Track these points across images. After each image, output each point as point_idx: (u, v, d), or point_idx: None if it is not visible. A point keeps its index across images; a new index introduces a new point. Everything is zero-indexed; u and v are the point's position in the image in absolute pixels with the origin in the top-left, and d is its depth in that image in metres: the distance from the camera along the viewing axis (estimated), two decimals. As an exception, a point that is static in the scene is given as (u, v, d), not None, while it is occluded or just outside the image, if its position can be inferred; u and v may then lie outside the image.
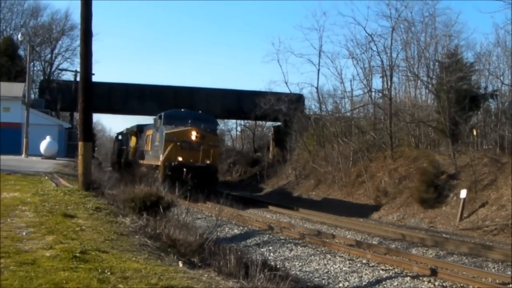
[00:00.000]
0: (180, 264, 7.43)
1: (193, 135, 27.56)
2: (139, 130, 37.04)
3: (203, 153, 27.08)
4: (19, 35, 47.71)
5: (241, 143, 64.27)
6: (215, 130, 31.65)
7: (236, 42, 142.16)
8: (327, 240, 13.65)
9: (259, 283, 7.53)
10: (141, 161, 32.98)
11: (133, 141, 40.28)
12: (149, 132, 32.58)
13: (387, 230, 17.79)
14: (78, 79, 33.52)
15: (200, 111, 33.19)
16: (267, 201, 31.15)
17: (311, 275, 10.99)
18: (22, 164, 25.09)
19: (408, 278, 10.19)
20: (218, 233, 13.63)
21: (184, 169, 24.13)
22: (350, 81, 64.79)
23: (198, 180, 24.20)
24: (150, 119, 38.26)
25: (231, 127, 66.74)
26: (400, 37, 36.43)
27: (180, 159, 26.67)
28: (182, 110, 32.17)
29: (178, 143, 27.01)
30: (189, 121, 28.64)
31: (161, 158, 27.01)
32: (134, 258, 6.80)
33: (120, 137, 51.39)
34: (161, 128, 28.56)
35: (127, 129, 45.60)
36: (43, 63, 58.19)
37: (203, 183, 25.42)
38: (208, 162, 27.16)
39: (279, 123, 49.20)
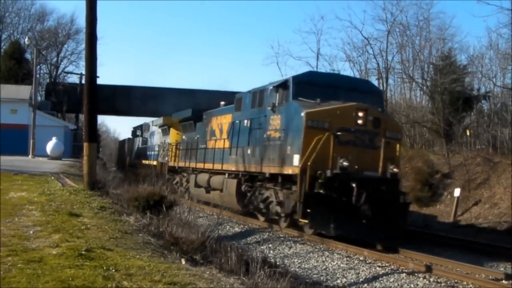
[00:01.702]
0: (183, 262, 7.43)
1: (360, 117, 13.97)
2: (195, 117, 24.10)
3: (383, 152, 13.74)
4: (26, 39, 47.64)
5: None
6: (383, 108, 17.09)
7: (237, 45, 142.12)
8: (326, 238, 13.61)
9: (259, 280, 7.52)
10: (202, 166, 21.29)
11: (173, 135, 28.30)
12: (224, 118, 20.28)
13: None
14: (83, 81, 33.48)
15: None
16: None
17: (309, 271, 10.99)
18: (29, 164, 25.08)
19: (404, 275, 10.19)
20: (220, 231, 13.60)
21: (354, 185, 12.80)
22: (347, 83, 64.52)
23: (378, 208, 12.90)
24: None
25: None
26: (395, 40, 36.45)
27: (345, 163, 13.25)
28: (323, 72, 19.79)
29: (336, 133, 13.58)
30: (342, 92, 15.03)
31: (298, 161, 13.65)
32: (138, 256, 6.80)
33: (138, 132, 40.29)
34: (291, 105, 14.67)
35: (154, 121, 33.99)
36: (49, 66, 58.22)
37: (387, 214, 13.08)
38: (393, 170, 13.74)
39: None
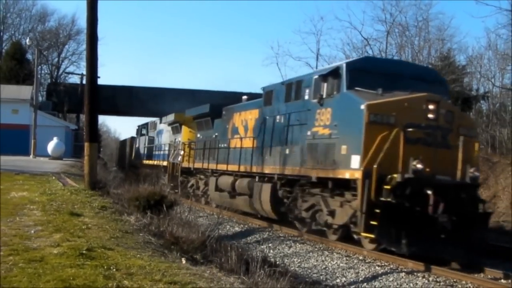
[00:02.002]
0: (183, 261, 7.44)
1: (431, 110, 11.78)
2: (213, 113, 21.43)
3: (461, 152, 11.48)
4: (27, 40, 47.73)
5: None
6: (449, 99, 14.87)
7: (237, 45, 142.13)
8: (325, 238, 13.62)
9: (259, 279, 7.52)
10: (224, 167, 18.84)
11: (185, 133, 25.74)
12: (249, 114, 17.83)
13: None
14: (84, 82, 33.50)
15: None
16: None
17: (309, 271, 10.99)
18: (30, 164, 25.09)
19: (403, 274, 10.19)
20: (220, 231, 13.61)
21: (429, 192, 10.76)
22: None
23: (458, 220, 10.93)
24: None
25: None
26: (394, 41, 36.41)
27: (419, 166, 11.01)
28: (381, 57, 16.62)
29: (405, 130, 11.26)
30: (404, 81, 12.74)
31: (357, 163, 11.38)
32: (138, 255, 6.81)
33: (144, 131, 37.18)
34: (345, 97, 12.35)
35: (163, 119, 30.50)
36: (50, 66, 58.31)
37: (468, 227, 11.10)
38: (473, 173, 11.59)
39: None
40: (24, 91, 41.87)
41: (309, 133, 13.39)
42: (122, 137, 73.31)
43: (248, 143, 17.24)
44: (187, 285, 5.54)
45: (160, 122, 31.73)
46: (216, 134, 20.84)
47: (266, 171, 15.59)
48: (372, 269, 10.72)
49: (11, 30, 58.44)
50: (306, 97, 13.87)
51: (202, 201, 21.94)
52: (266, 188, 15.47)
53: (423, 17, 35.50)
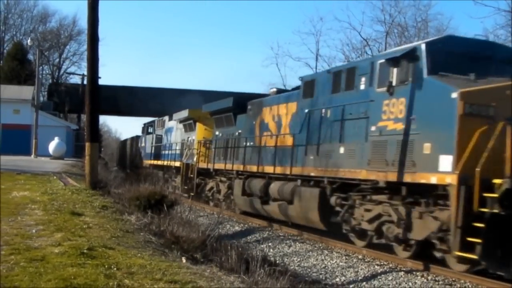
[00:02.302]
0: (183, 260, 7.44)
1: None
2: (236, 108, 18.95)
3: None
4: (29, 40, 47.81)
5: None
6: None
7: (237, 46, 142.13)
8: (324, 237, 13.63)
9: (259, 278, 7.52)
10: (255, 169, 16.57)
11: (200, 131, 23.21)
12: (283, 108, 15.69)
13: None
14: (85, 82, 33.50)
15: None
16: None
17: (309, 270, 10.99)
18: (32, 164, 25.09)
19: (402, 273, 10.18)
20: (220, 230, 13.61)
21: None
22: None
23: None
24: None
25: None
26: (394, 42, 36.53)
27: None
28: (464, 36, 13.16)
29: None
30: (494, 65, 10.67)
31: (450, 165, 9.27)
32: (139, 255, 6.81)
33: (150, 129, 34.66)
34: (428, 83, 10.17)
35: (174, 115, 27.55)
36: (51, 67, 58.39)
37: None
38: None
39: None
40: (26, 92, 41.89)
41: (373, 128, 11.19)
42: (123, 137, 73.37)
43: (284, 141, 15.13)
44: (187, 284, 5.54)
45: (170, 120, 29.45)
46: (240, 131, 18.60)
47: (312, 173, 13.33)
48: (372, 268, 10.72)
49: (13, 31, 58.62)
50: (362, 86, 11.87)
51: (223, 206, 19.62)
52: (313, 193, 13.17)
53: (422, 18, 35.67)
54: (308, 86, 14.26)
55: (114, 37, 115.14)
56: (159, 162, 29.25)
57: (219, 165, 19.64)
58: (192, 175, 22.34)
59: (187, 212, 13.78)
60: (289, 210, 14.26)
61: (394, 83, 10.81)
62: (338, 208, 12.57)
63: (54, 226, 8.16)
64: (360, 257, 11.68)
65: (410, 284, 9.59)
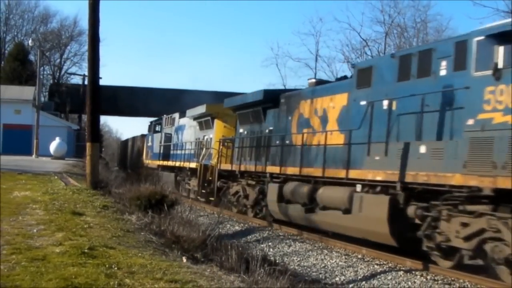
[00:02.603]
0: (184, 260, 7.44)
1: None
2: (266, 101, 16.66)
3: None
4: (30, 41, 47.85)
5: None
6: None
7: (237, 46, 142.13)
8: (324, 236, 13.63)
9: (259, 278, 7.52)
10: (296, 171, 14.34)
11: (218, 129, 21.03)
12: (329, 100, 13.68)
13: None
14: (86, 82, 33.49)
15: None
16: None
17: (309, 269, 10.99)
18: (33, 164, 25.09)
19: (401, 272, 10.18)
20: (220, 230, 13.61)
21: None
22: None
23: None
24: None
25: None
26: (393, 42, 36.59)
27: None
28: None
29: None
30: None
31: None
32: (140, 254, 6.81)
33: (158, 128, 31.97)
34: None
35: (187, 112, 25.06)
36: (52, 67, 58.43)
37: None
38: None
39: None
40: (27, 92, 41.90)
41: (470, 122, 9.21)
42: (124, 137, 73.35)
43: (332, 138, 13.01)
44: (187, 284, 5.54)
45: (181, 117, 27.25)
46: (271, 128, 16.48)
47: (379, 177, 11.00)
48: (371, 267, 10.72)
49: (14, 31, 58.65)
50: (443, 72, 10.09)
51: (249, 213, 17.53)
52: (381, 202, 10.88)
53: (421, 19, 35.70)
54: (364, 74, 12.19)
55: (114, 38, 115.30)
56: (169, 163, 27.02)
57: (248, 167, 17.28)
58: (210, 178, 20.14)
59: (188, 212, 13.78)
60: (345, 221, 11.99)
61: (501, 65, 8.81)
62: (417, 221, 10.32)
63: (55, 225, 8.16)
64: (359, 256, 11.67)
65: (409, 283, 9.59)
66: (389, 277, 10.01)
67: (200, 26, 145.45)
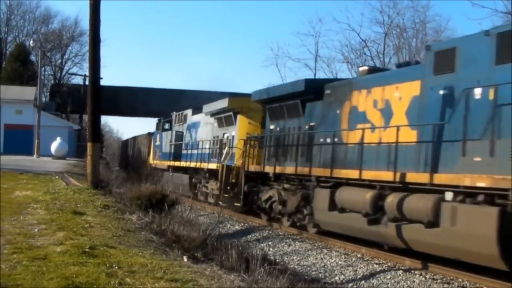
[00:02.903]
0: (184, 259, 7.44)
1: None
2: (307, 93, 14.49)
3: None
4: (31, 41, 47.74)
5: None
6: None
7: (237, 47, 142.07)
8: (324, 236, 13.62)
9: (259, 277, 7.52)
10: (356, 175, 11.88)
11: (242, 125, 18.62)
12: (392, 89, 11.58)
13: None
14: (87, 83, 33.48)
15: None
16: None
17: (308, 269, 10.99)
18: (34, 164, 25.09)
19: (400, 272, 10.18)
20: (220, 229, 13.62)
21: None
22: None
23: None
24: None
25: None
26: (392, 43, 36.63)
27: None
28: None
29: None
30: None
31: None
32: (140, 253, 6.81)
33: (167, 125, 29.74)
34: None
35: (204, 107, 22.64)
36: (53, 68, 58.39)
37: None
38: None
39: None
40: (28, 92, 41.91)
41: None
42: (124, 137, 73.31)
43: (403, 135, 10.73)
44: (188, 283, 5.54)
45: (194, 113, 25.00)
46: (312, 123, 14.17)
47: (481, 183, 8.74)
48: (370, 267, 10.72)
49: (15, 32, 58.61)
50: None
51: (284, 222, 15.18)
52: (486, 215, 8.66)
53: (420, 19, 35.73)
54: (442, 57, 10.20)
55: (115, 38, 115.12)
56: (182, 164, 24.46)
57: (286, 169, 14.72)
58: (233, 181, 17.57)
59: (188, 212, 13.79)
60: (430, 237, 9.70)
61: None
62: None
63: (56, 225, 8.16)
64: (359, 256, 11.67)
65: (408, 282, 9.59)
66: (388, 276, 10.01)
67: (200, 27, 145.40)
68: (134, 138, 44.08)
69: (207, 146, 21.75)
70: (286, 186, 14.90)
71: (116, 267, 5.82)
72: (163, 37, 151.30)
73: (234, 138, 18.95)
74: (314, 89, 14.15)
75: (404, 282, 9.64)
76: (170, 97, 47.07)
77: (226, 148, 19.27)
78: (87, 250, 6.46)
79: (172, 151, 26.95)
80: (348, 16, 68.10)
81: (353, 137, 12.38)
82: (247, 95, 20.16)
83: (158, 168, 28.93)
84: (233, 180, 17.68)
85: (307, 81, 14.85)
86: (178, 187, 21.31)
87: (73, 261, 5.89)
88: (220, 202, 18.08)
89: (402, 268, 10.46)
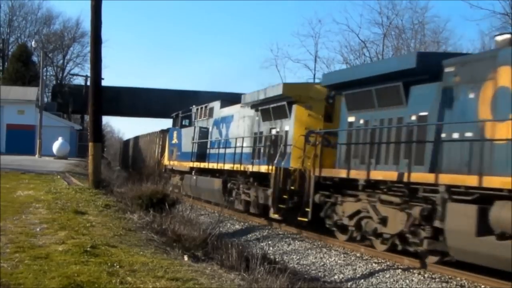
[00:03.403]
0: (185, 258, 7.44)
1: None
2: (410, 73, 10.66)
3: None
4: (33, 42, 47.86)
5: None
6: None
7: (237, 48, 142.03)
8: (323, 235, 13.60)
9: (259, 276, 7.52)
10: None
11: (300, 118, 14.96)
12: None
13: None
14: (88, 83, 33.48)
15: None
16: None
17: (308, 268, 10.99)
18: (36, 164, 25.09)
19: (399, 271, 10.18)
20: (221, 229, 13.61)
21: None
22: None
23: None
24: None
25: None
26: (391, 44, 36.59)
27: None
28: None
29: None
30: None
31: None
32: (141, 252, 6.81)
33: (185, 121, 25.52)
34: None
35: (245, 97, 18.13)
36: (55, 68, 58.45)
37: None
38: None
39: None
40: (30, 93, 41.91)
41: None
42: (126, 137, 73.28)
43: None
44: (188, 282, 5.54)
45: (223, 106, 21.36)
46: (423, 113, 10.51)
47: None
48: (369, 266, 10.71)
49: (17, 33, 58.62)
50: None
51: (378, 246, 11.55)
52: None
53: (419, 20, 35.70)
54: None
55: (116, 39, 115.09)
56: (211, 165, 20.33)
57: (385, 174, 10.86)
58: (293, 187, 14.05)
59: (189, 211, 13.78)
60: None
61: None
62: None
63: (58, 224, 8.16)
64: (358, 255, 11.67)
65: (407, 281, 9.58)
66: (387, 275, 10.01)
67: (200, 28, 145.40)
68: (136, 138, 44.00)
69: (246, 144, 17.79)
70: (385, 198, 10.92)
71: (117, 266, 5.82)
72: (163, 38, 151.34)
73: (287, 134, 15.30)
74: (427, 67, 10.50)
75: (403, 281, 9.64)
76: (170, 98, 47.08)
77: (281, 145, 15.42)
78: (88, 249, 6.46)
79: (196, 150, 22.69)
80: (347, 17, 68.39)
81: (505, 130, 8.62)
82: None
83: (176, 170, 25.29)
84: (291, 187, 14.07)
85: (420, 56, 10.91)
86: (205, 193, 19.28)
87: (74, 260, 5.89)
88: (274, 215, 14.62)
89: (401, 267, 10.46)
